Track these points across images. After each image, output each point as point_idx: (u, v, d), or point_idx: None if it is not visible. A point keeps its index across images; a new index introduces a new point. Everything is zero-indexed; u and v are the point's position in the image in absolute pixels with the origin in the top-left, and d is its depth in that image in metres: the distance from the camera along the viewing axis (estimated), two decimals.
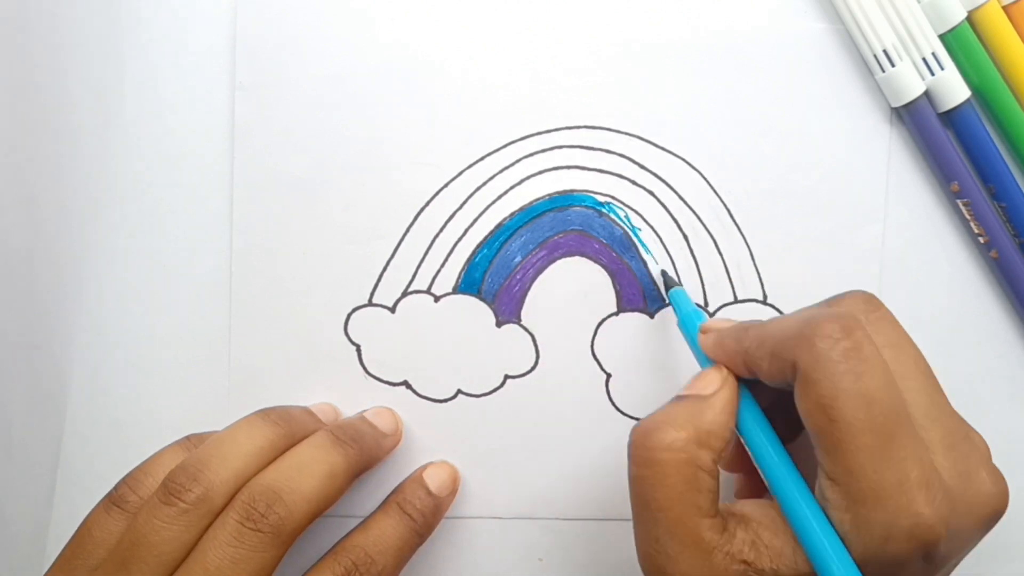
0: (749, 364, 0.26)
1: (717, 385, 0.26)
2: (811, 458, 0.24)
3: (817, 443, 0.24)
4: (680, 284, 0.33)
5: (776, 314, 0.34)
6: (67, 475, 0.34)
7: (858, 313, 0.25)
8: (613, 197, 0.34)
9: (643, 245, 0.34)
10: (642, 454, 0.25)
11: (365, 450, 0.30)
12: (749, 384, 0.27)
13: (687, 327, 0.30)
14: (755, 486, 0.28)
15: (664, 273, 0.34)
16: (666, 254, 0.34)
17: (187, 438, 0.30)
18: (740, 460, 0.29)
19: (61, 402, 0.34)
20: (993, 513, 0.24)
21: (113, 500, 0.28)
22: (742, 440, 0.27)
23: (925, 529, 0.22)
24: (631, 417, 0.34)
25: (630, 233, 0.34)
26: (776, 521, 0.24)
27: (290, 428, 0.30)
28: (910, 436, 0.23)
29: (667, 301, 0.33)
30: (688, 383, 0.27)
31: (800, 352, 0.23)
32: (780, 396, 0.26)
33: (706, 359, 0.28)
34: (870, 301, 0.25)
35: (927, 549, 0.23)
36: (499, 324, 0.34)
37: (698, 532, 0.24)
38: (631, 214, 0.34)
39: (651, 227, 0.34)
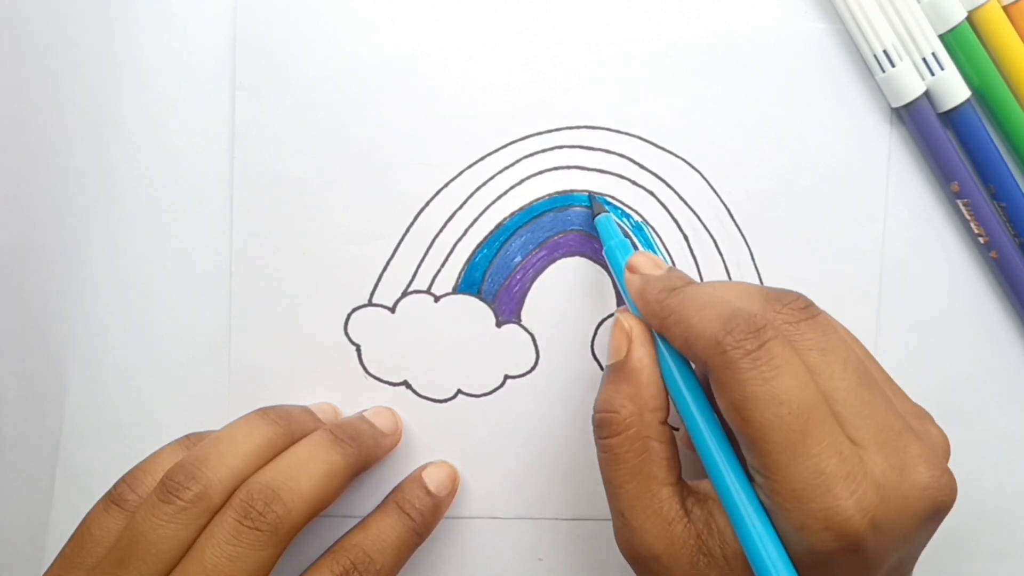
0: (663, 333, 0.27)
1: (626, 344, 0.27)
2: None
3: (738, 438, 0.24)
4: (608, 212, 0.33)
5: None
6: (66, 475, 0.34)
7: (785, 318, 0.25)
8: (613, 196, 0.34)
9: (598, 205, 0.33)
10: (599, 442, 0.27)
11: (364, 449, 0.30)
12: None
13: (613, 260, 0.30)
14: None
15: (591, 197, 0.33)
16: (666, 254, 0.34)
17: (186, 437, 0.30)
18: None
19: (59, 402, 0.34)
20: (933, 507, 0.24)
21: (112, 499, 0.28)
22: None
23: (842, 519, 0.23)
24: None
25: (620, 223, 0.34)
26: None
27: (289, 427, 0.30)
28: (827, 432, 0.23)
29: (594, 228, 0.33)
30: (609, 343, 0.28)
31: (711, 357, 0.24)
32: None
33: (631, 301, 0.29)
34: (805, 308, 0.26)
35: (849, 541, 0.23)
36: (499, 324, 0.34)
37: (658, 503, 0.25)
38: (629, 211, 0.34)
39: (651, 227, 0.34)
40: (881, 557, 0.24)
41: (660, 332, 0.27)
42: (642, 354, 0.27)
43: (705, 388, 0.26)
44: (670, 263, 0.34)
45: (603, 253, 0.31)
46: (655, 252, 0.34)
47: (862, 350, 0.27)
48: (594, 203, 0.33)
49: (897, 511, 0.23)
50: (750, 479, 0.25)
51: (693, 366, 0.27)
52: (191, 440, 0.30)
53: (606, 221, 0.32)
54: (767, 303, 0.26)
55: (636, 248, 0.31)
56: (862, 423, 0.24)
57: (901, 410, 0.25)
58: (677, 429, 0.28)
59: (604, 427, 0.26)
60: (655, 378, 0.27)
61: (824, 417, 0.23)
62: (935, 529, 0.25)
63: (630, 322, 0.28)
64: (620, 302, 0.34)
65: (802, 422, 0.23)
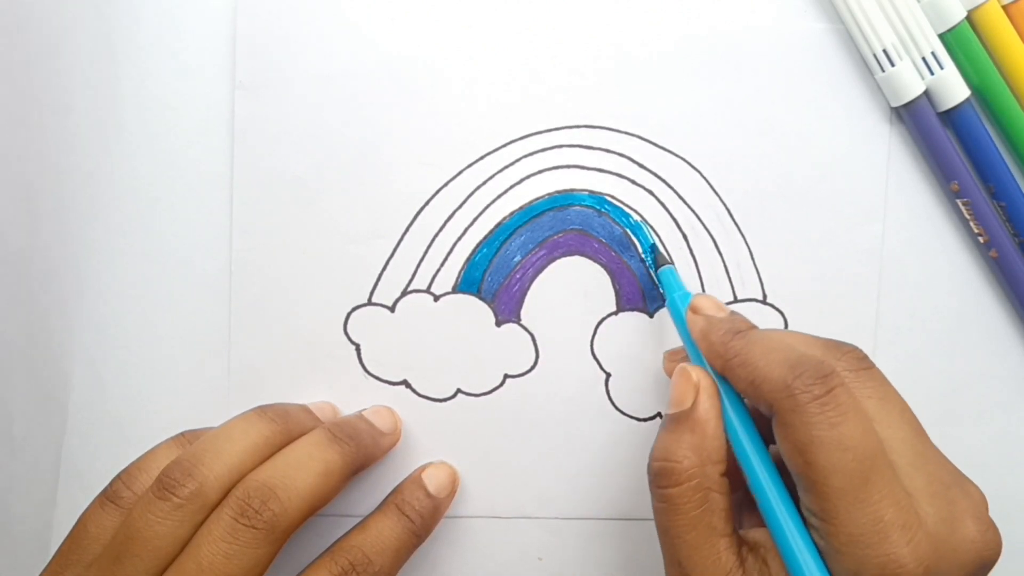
0: (726, 374, 0.27)
1: (693, 394, 0.27)
2: None
3: (796, 481, 0.25)
4: (671, 262, 0.33)
5: (775, 314, 0.34)
6: (70, 474, 0.34)
7: (846, 366, 0.26)
8: (612, 196, 0.34)
9: (636, 229, 0.34)
10: (657, 491, 0.27)
11: (362, 448, 0.30)
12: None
13: (675, 310, 0.31)
14: None
15: (654, 248, 0.33)
16: (665, 253, 0.34)
17: (182, 434, 0.30)
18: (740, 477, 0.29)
19: (63, 401, 0.34)
20: (979, 561, 0.24)
21: (108, 496, 0.28)
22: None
23: (897, 567, 0.23)
24: (630, 417, 0.34)
25: (627, 232, 0.34)
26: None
27: (287, 425, 0.30)
28: (887, 480, 0.24)
29: (656, 280, 0.33)
30: (671, 392, 0.28)
31: (779, 398, 0.25)
32: None
33: (692, 344, 0.29)
34: (862, 359, 0.27)
35: None
36: (499, 323, 0.34)
37: (716, 554, 0.26)
38: (629, 211, 0.34)
39: (651, 226, 0.34)
40: None
41: (723, 373, 0.27)
42: (708, 406, 0.27)
43: (761, 437, 0.27)
44: (669, 261, 0.34)
45: (666, 305, 0.32)
46: (655, 250, 0.34)
47: None
48: (657, 254, 0.33)
49: (948, 563, 0.24)
50: (805, 524, 0.25)
51: (750, 413, 0.27)
52: (186, 438, 0.30)
53: (669, 273, 0.32)
54: (827, 351, 0.27)
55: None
56: (916, 474, 0.25)
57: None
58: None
59: (665, 476, 0.26)
60: (719, 431, 0.27)
61: (885, 465, 0.24)
62: None
63: (698, 374, 0.28)
64: (620, 302, 0.34)
65: (864, 469, 0.24)
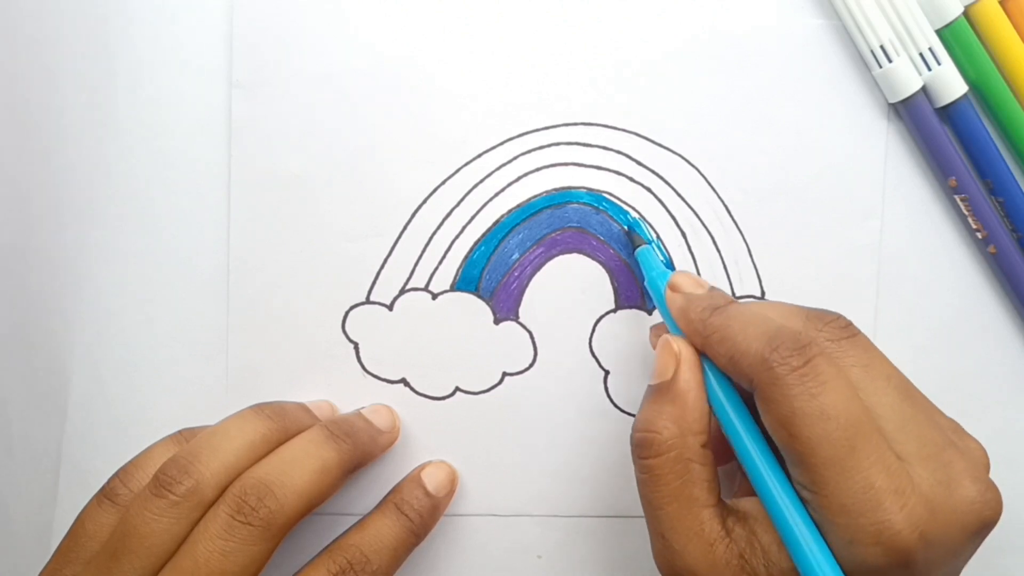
0: (706, 351, 0.27)
1: (674, 365, 0.27)
2: None
3: (784, 454, 0.25)
4: (648, 242, 0.33)
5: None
6: (70, 473, 0.34)
7: (828, 335, 0.26)
8: (610, 193, 0.34)
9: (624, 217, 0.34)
10: (638, 462, 0.27)
11: (359, 446, 0.30)
12: None
13: (655, 288, 0.30)
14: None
15: (632, 228, 0.33)
16: (646, 232, 0.34)
17: (179, 432, 0.31)
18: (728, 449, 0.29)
19: (62, 401, 0.34)
20: (980, 522, 0.24)
21: (105, 494, 0.28)
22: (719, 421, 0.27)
23: (892, 533, 0.23)
24: (629, 414, 0.34)
25: (623, 227, 0.34)
26: (769, 518, 0.25)
27: (283, 423, 0.30)
28: (875, 447, 0.23)
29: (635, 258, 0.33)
30: (654, 364, 0.28)
31: (758, 372, 0.25)
32: None
33: (670, 318, 0.29)
34: (846, 327, 0.26)
35: (900, 556, 0.23)
36: (497, 321, 0.34)
37: (699, 524, 0.25)
38: (627, 208, 0.34)
39: (649, 224, 0.34)
40: (929, 572, 0.24)
41: (703, 350, 0.27)
42: (689, 376, 0.27)
43: (749, 409, 0.27)
44: (668, 259, 0.34)
45: (645, 284, 0.32)
46: (633, 230, 0.33)
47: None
48: (634, 235, 0.33)
49: (946, 526, 0.23)
50: (797, 493, 0.25)
51: (735, 386, 0.27)
52: (183, 436, 0.30)
53: (646, 253, 0.32)
54: (808, 322, 0.26)
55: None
56: (906, 438, 0.24)
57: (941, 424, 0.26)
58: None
59: (645, 447, 0.26)
60: (700, 402, 0.27)
61: (871, 432, 0.24)
62: (980, 543, 0.25)
63: (679, 344, 0.28)
64: (619, 299, 0.34)
65: (849, 437, 0.23)
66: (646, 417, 0.27)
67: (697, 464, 0.26)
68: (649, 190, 0.34)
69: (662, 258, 0.33)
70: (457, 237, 0.34)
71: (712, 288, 0.29)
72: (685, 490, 0.26)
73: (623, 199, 0.34)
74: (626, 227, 0.33)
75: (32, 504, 0.34)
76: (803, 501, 0.24)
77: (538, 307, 0.34)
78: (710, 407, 0.27)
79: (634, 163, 0.34)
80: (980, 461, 0.26)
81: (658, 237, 0.34)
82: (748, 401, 0.27)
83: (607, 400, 0.34)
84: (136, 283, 0.34)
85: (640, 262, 0.32)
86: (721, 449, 0.28)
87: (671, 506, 0.26)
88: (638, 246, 0.33)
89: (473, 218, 0.34)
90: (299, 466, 0.28)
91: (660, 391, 0.27)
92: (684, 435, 0.26)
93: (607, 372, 0.34)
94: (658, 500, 0.26)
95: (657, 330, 0.33)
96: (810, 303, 0.34)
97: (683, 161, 0.34)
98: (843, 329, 0.26)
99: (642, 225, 0.33)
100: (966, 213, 0.33)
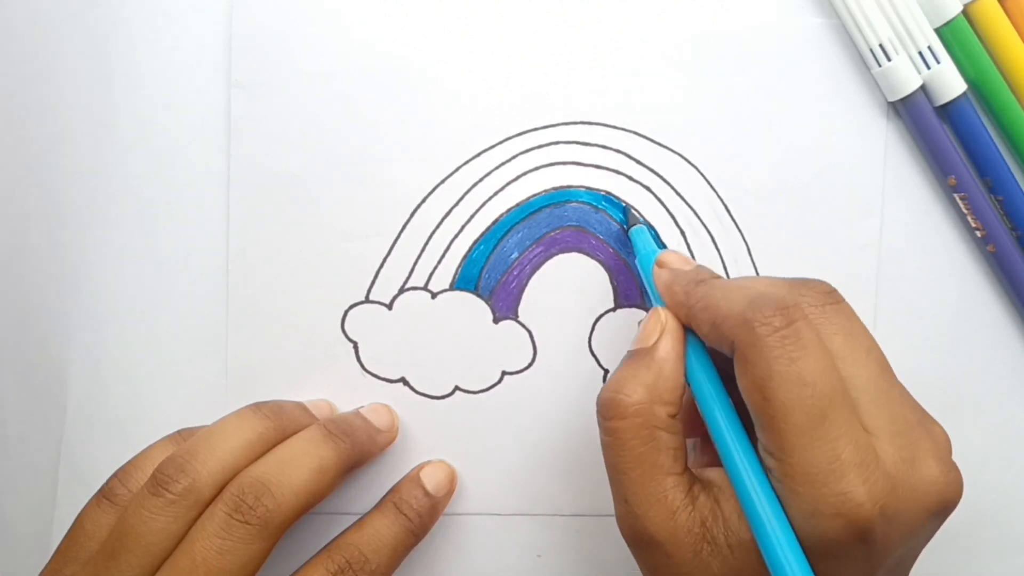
0: (690, 322, 0.27)
1: (657, 334, 0.27)
2: None
3: (754, 418, 0.24)
4: (642, 224, 0.33)
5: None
6: (69, 473, 0.34)
7: (811, 301, 0.25)
8: (610, 192, 0.34)
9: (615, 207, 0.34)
10: (603, 423, 0.26)
11: (357, 445, 0.30)
12: None
13: (645, 266, 0.30)
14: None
15: (626, 209, 0.33)
16: (638, 215, 0.34)
17: (177, 432, 0.31)
18: (699, 423, 0.29)
19: (61, 401, 0.34)
20: (941, 502, 0.24)
21: (104, 494, 0.28)
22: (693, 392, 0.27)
23: (853, 506, 0.23)
24: None
25: (616, 221, 0.34)
26: (732, 488, 0.25)
27: (281, 422, 0.30)
28: (846, 418, 0.23)
29: (628, 238, 0.33)
30: (638, 332, 0.28)
31: (739, 333, 0.24)
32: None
33: (658, 297, 0.29)
34: (830, 293, 0.26)
35: (859, 530, 0.23)
36: (496, 320, 0.34)
37: (662, 491, 0.25)
38: (627, 207, 0.34)
39: (649, 223, 0.34)
40: (887, 549, 0.24)
41: (687, 322, 0.27)
42: (669, 347, 0.27)
43: (726, 386, 0.27)
44: (641, 223, 0.34)
45: (636, 263, 0.32)
46: (627, 212, 0.33)
47: None
48: (629, 215, 0.33)
49: (907, 503, 0.23)
50: (763, 467, 0.25)
51: (716, 363, 0.27)
52: (182, 435, 0.30)
53: (639, 232, 0.32)
54: (792, 288, 0.26)
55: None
56: (878, 412, 0.24)
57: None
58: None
59: (611, 408, 0.26)
60: (676, 374, 0.26)
61: (845, 403, 0.24)
62: (939, 525, 0.25)
63: (666, 315, 0.27)
64: (618, 298, 0.34)
65: (823, 406, 0.23)
66: (618, 378, 0.26)
67: (664, 432, 0.26)
68: (648, 189, 0.34)
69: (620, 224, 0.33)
70: (456, 236, 0.34)
71: (699, 265, 0.29)
72: (650, 456, 0.25)
73: (623, 198, 0.34)
74: (621, 212, 0.33)
75: (31, 504, 0.34)
76: (767, 469, 0.24)
77: (537, 306, 0.34)
78: (687, 383, 0.27)
79: (633, 162, 0.34)
80: (945, 443, 0.25)
81: (658, 236, 0.34)
82: (726, 380, 0.26)
83: None
84: (135, 283, 0.34)
85: (633, 242, 0.32)
86: (694, 421, 0.28)
87: (635, 471, 0.25)
88: (632, 225, 0.33)
89: (472, 217, 0.34)
90: (297, 465, 0.28)
91: (637, 356, 0.27)
92: (652, 402, 0.26)
93: (607, 371, 0.34)
94: (622, 464, 0.26)
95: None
96: None
97: (682, 160, 0.34)
98: (827, 295, 0.26)
99: (632, 212, 0.34)
100: (965, 212, 0.33)
